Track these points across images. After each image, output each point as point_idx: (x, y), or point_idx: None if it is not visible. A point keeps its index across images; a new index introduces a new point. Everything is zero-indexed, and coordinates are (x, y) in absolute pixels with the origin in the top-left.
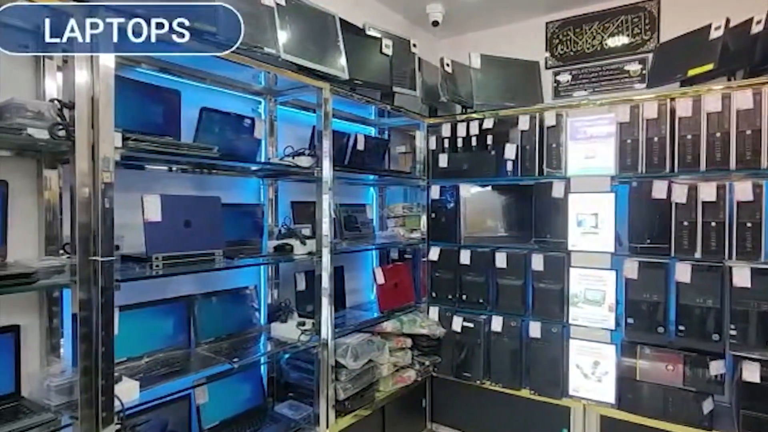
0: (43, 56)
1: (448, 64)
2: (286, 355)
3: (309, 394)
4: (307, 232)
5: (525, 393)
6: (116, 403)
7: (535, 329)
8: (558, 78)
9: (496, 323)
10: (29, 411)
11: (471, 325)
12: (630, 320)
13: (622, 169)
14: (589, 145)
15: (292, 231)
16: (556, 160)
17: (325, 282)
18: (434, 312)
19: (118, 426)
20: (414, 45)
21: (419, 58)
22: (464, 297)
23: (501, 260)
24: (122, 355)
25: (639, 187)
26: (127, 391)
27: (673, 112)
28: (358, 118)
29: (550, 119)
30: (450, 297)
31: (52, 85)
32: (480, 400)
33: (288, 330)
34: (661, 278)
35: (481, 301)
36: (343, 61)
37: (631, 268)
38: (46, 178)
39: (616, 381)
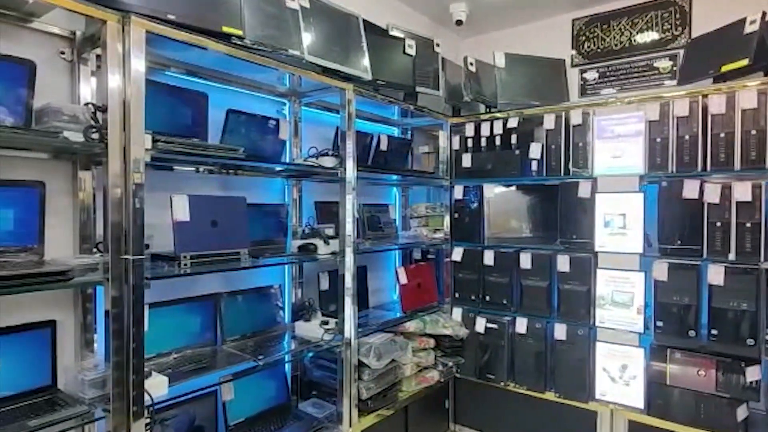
0: (79, 61)
1: (471, 64)
2: (310, 354)
3: (332, 392)
4: (330, 232)
5: (550, 396)
6: (146, 397)
7: (560, 331)
8: (584, 76)
9: (521, 325)
10: (65, 403)
11: (495, 326)
12: (660, 323)
13: (651, 169)
14: (617, 144)
15: (315, 231)
16: (582, 160)
17: (348, 281)
18: (457, 313)
19: (148, 420)
20: (437, 45)
21: (443, 58)
22: (488, 298)
23: (525, 261)
24: (152, 351)
25: (669, 186)
26: (157, 386)
27: (705, 109)
28: (382, 118)
29: (576, 118)
30: (473, 298)
31: (87, 89)
32: (504, 402)
33: (311, 329)
34: (692, 280)
35: (505, 302)
36: (366, 61)
37: (661, 269)
38: (81, 179)
39: (646, 385)
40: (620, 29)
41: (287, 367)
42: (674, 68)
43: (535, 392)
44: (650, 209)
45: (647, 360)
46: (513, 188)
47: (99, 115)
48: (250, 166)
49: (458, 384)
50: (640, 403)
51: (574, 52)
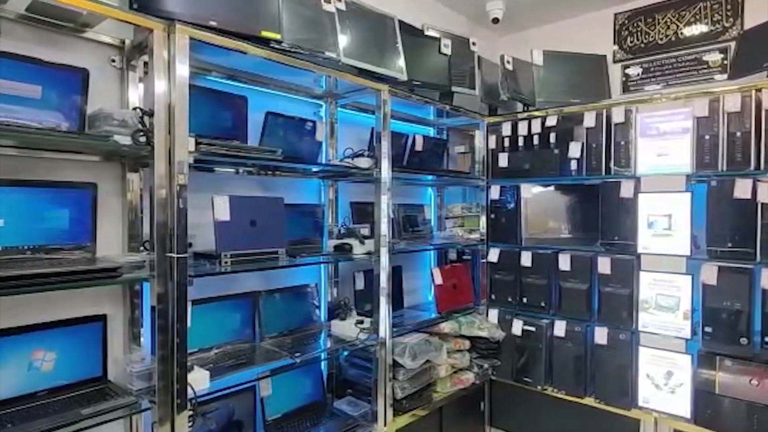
0: (127, 68)
1: (508, 62)
2: (345, 353)
3: (367, 391)
4: (365, 232)
5: (590, 401)
6: (189, 390)
7: (601, 335)
8: (627, 72)
9: (559, 328)
10: (114, 393)
11: (532, 328)
12: (708, 329)
13: (699, 167)
14: (662, 142)
15: (351, 231)
16: (624, 159)
17: (383, 281)
18: (493, 314)
19: (191, 412)
20: (473, 43)
21: (479, 57)
22: (525, 300)
23: (564, 262)
24: (194, 346)
25: (719, 186)
26: (199, 380)
27: (759, 104)
28: (417, 118)
29: (618, 115)
30: (510, 299)
31: (135, 94)
32: (541, 407)
33: (347, 328)
34: (744, 285)
35: (542, 304)
36: (401, 62)
37: (710, 273)
38: (129, 181)
39: (692, 394)
40: (666, 22)
41: (323, 365)
42: (725, 62)
43: (574, 397)
44: (698, 210)
45: (694, 367)
46: (551, 188)
47: (146, 119)
48: (287, 167)
49: (494, 386)
50: (687, 412)
51: (616, 47)
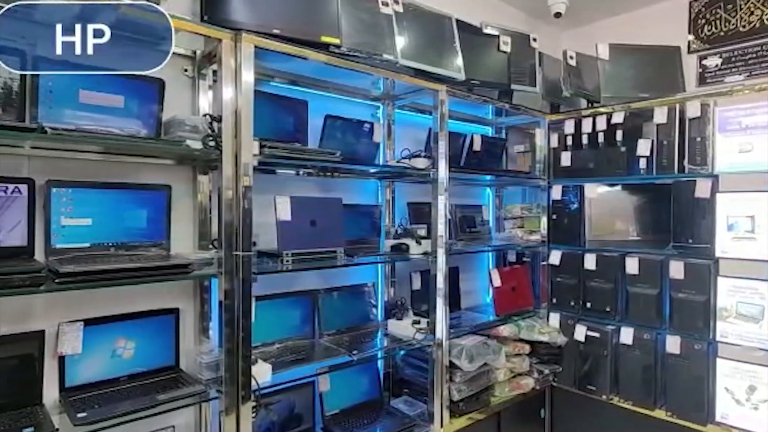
0: (198, 77)
1: (571, 57)
2: (402, 352)
3: (423, 391)
4: (422, 232)
5: (660, 414)
6: (253, 382)
7: (673, 344)
8: (704, 63)
9: (626, 335)
10: (186, 382)
11: (596, 334)
12: None
13: None
14: (744, 138)
15: (408, 231)
16: (700, 156)
17: (440, 282)
18: (555, 319)
19: (254, 404)
20: (534, 39)
21: (540, 53)
22: (589, 304)
23: (632, 266)
24: (258, 340)
25: None
26: (262, 373)
27: None
28: (475, 118)
29: (693, 110)
30: (572, 304)
31: (205, 101)
32: (606, 417)
33: (403, 327)
34: None
35: (608, 309)
36: (459, 61)
37: None
38: (199, 183)
39: None
40: (749, 8)
41: (380, 363)
42: None
43: (643, 408)
44: None
45: None
46: (618, 188)
47: (215, 124)
48: (346, 168)
49: (555, 393)
50: None
51: (691, 37)
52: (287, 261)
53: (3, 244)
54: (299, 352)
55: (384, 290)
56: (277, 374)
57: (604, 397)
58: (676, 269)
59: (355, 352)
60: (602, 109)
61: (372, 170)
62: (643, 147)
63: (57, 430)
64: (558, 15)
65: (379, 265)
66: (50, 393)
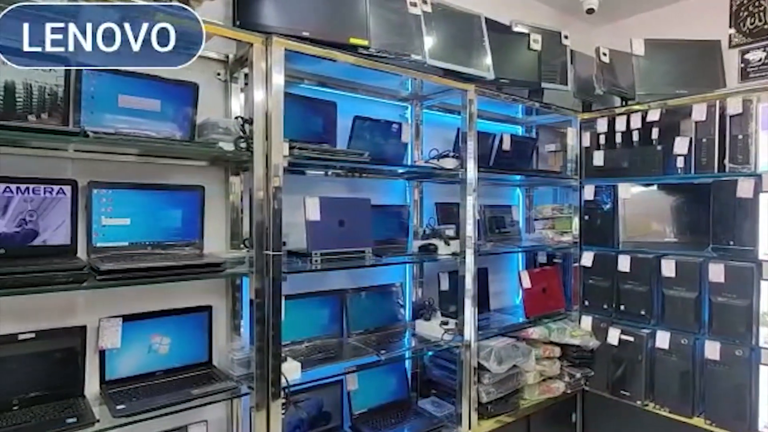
0: (230, 80)
1: (604, 54)
2: (429, 353)
3: (451, 393)
4: (451, 232)
5: (698, 422)
6: (282, 380)
7: (712, 350)
8: (746, 57)
9: (662, 339)
10: (218, 378)
11: (630, 338)
12: None
13: None
14: None
15: (436, 231)
16: (741, 155)
17: (469, 283)
18: (586, 321)
19: (284, 400)
20: (565, 37)
21: (571, 50)
22: (622, 307)
23: (668, 268)
24: (287, 338)
25: None
26: (291, 371)
27: None
28: (505, 117)
29: (734, 106)
30: (605, 306)
31: (236, 104)
32: (641, 423)
33: (431, 328)
34: None
35: (643, 313)
36: (488, 60)
37: None
38: (231, 184)
39: None
40: None
41: (407, 363)
42: None
43: (680, 416)
44: None
45: None
46: (653, 188)
47: (246, 126)
48: (374, 168)
49: (587, 398)
50: None
51: (732, 30)
52: (316, 260)
53: (49, 242)
54: (328, 351)
55: (412, 290)
56: (306, 372)
57: (638, 402)
58: (716, 272)
59: (382, 351)
60: (637, 107)
61: (400, 170)
62: (681, 145)
63: (98, 420)
64: (590, 11)
65: (407, 265)
66: (91, 385)
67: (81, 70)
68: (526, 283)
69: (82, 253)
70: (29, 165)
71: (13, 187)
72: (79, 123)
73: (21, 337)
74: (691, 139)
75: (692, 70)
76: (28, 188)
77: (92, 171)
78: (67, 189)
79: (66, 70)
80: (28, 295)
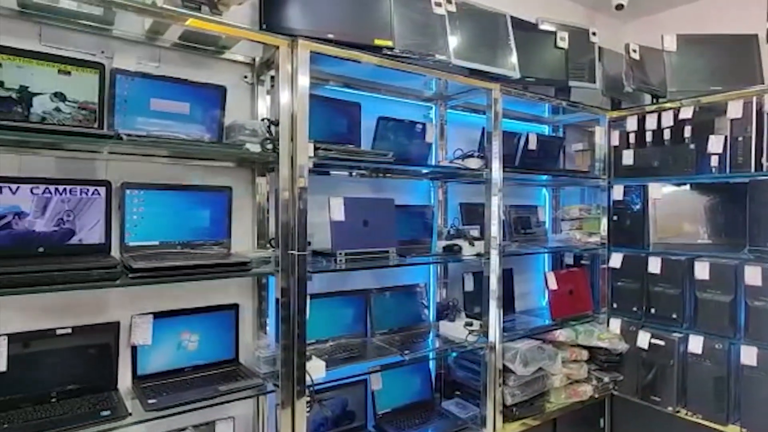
0: (257, 83)
1: (634, 50)
2: (454, 354)
3: (475, 394)
4: (475, 233)
5: (734, 430)
6: (307, 378)
7: (749, 355)
8: None
9: (695, 344)
10: (244, 375)
11: (661, 342)
12: None
13: None
14: None
15: (460, 232)
16: None
17: (494, 284)
18: (615, 324)
19: (309, 399)
20: (593, 33)
21: (599, 47)
22: (653, 310)
23: (702, 271)
24: (312, 337)
25: None
26: (316, 369)
27: None
28: (531, 116)
29: None
30: (635, 309)
31: (263, 106)
32: (672, 430)
33: (455, 329)
34: None
35: (674, 316)
36: (513, 59)
37: None
38: (258, 184)
39: None
40: None
41: (431, 364)
42: None
43: (715, 423)
44: None
45: None
46: (686, 188)
47: (272, 128)
48: (398, 169)
49: (615, 402)
50: None
51: None
52: (340, 260)
53: (84, 241)
54: (352, 351)
55: (436, 291)
56: (330, 371)
57: (669, 408)
58: (753, 275)
59: (406, 352)
60: (668, 105)
61: (424, 171)
62: (715, 144)
63: (130, 414)
64: (620, 7)
65: (431, 265)
66: (124, 380)
67: (115, 75)
68: (553, 284)
69: (115, 251)
70: (66, 167)
71: (52, 188)
72: (113, 126)
73: (59, 332)
74: (726, 137)
75: (727, 66)
76: (65, 189)
77: (125, 172)
78: (102, 190)
79: (101, 75)
80: (65, 292)
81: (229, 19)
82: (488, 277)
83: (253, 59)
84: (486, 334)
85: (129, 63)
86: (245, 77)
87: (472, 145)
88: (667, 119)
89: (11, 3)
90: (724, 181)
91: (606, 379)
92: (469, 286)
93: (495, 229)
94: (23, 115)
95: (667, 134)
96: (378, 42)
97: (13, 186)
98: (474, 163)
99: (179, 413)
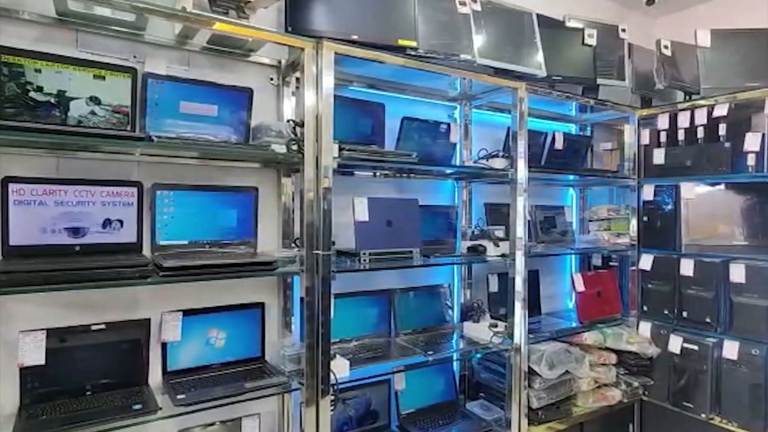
0: (283, 85)
1: (666, 47)
2: (478, 355)
3: (500, 396)
4: (500, 233)
5: None
6: (332, 377)
7: None
8: None
9: (730, 349)
10: (270, 372)
11: (694, 347)
12: None
13: None
14: None
15: (485, 232)
16: None
17: (519, 285)
18: (645, 328)
19: (333, 397)
20: (623, 30)
21: (629, 44)
22: (685, 314)
23: (738, 273)
24: (336, 336)
25: None
26: (340, 368)
27: None
28: (557, 115)
29: None
30: (666, 312)
31: (288, 108)
32: None
33: (480, 330)
34: None
35: (708, 320)
36: (540, 57)
37: None
38: (283, 185)
39: None
40: None
41: (455, 365)
42: None
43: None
44: None
45: None
46: (720, 187)
47: (297, 129)
48: (422, 169)
49: (645, 408)
50: None
51: None
52: (364, 260)
53: (117, 241)
54: (376, 350)
55: (460, 292)
56: (354, 370)
57: (702, 415)
58: None
59: (430, 352)
60: (702, 102)
61: (448, 171)
62: (752, 141)
63: (161, 408)
64: (650, 2)
65: (456, 266)
66: (154, 375)
67: (146, 79)
68: (580, 286)
69: (146, 250)
70: (100, 168)
71: (88, 189)
72: (144, 128)
73: (93, 327)
74: (763, 134)
75: (764, 61)
76: (100, 190)
77: (156, 173)
78: (134, 190)
79: (133, 79)
80: (98, 290)
81: (255, 23)
82: (513, 279)
83: (279, 61)
84: (511, 336)
85: (159, 67)
86: (271, 79)
87: (497, 145)
88: (701, 117)
89: (50, 11)
90: (761, 181)
91: (635, 384)
92: (494, 287)
93: (520, 230)
94: (61, 118)
95: (700, 132)
96: (402, 42)
97: (56, 187)
98: (499, 163)
99: (207, 409)
